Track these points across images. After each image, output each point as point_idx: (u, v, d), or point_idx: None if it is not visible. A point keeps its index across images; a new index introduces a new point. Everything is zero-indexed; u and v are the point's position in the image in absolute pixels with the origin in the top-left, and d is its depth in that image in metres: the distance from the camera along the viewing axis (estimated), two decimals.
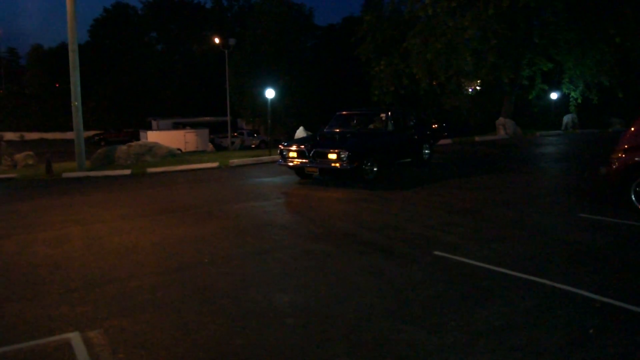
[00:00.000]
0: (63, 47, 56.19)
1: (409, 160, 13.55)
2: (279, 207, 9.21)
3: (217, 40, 39.99)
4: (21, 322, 4.56)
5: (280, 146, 12.18)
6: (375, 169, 11.42)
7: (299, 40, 45.31)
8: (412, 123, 13.60)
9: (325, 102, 41.35)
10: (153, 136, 31.04)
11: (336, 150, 10.86)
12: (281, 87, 37.39)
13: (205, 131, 35.67)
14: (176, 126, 39.14)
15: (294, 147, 11.58)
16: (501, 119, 24.34)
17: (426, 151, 13.90)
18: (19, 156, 19.99)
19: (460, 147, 19.06)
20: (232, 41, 36.70)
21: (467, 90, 30.67)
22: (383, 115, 12.65)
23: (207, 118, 42.34)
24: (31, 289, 5.37)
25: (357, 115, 13.24)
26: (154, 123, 41.49)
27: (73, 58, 16.16)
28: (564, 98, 28.22)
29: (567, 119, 26.97)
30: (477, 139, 21.77)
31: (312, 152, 11.17)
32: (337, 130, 12.63)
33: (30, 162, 19.65)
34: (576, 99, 26.59)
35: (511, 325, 4.23)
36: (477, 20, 21.91)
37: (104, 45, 59.49)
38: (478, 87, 31.03)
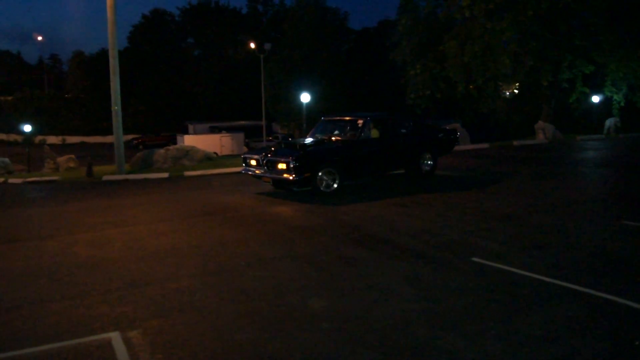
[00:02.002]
0: (103, 53, 57.71)
1: (402, 171, 12.61)
2: (313, 211, 9.21)
3: (252, 45, 40.42)
4: (64, 320, 4.68)
5: (243, 154, 11.79)
6: (335, 183, 10.53)
7: (333, 44, 45.40)
8: (404, 130, 12.31)
9: (360, 106, 41.31)
10: (190, 140, 31.50)
11: (285, 160, 10.20)
12: (316, 91, 37.54)
13: (241, 135, 36.03)
14: (212, 130, 39.64)
15: (253, 155, 11.25)
16: (540, 123, 23.85)
17: (427, 162, 12.53)
18: (61, 159, 20.56)
19: (497, 152, 18.75)
20: (267, 46, 37.01)
21: (505, 93, 30.16)
22: (360, 121, 11.45)
23: (243, 122, 42.75)
24: (73, 289, 5.51)
25: (341, 122, 12.20)
26: (190, 127, 42.15)
27: (113, 64, 16.57)
28: (606, 101, 27.47)
29: (609, 122, 26.22)
30: (515, 143, 21.37)
31: (264, 161, 10.70)
32: (314, 137, 11.92)
33: (72, 165, 20.17)
34: (619, 102, 25.85)
35: (553, 335, 4.12)
36: (515, 22, 21.58)
37: (142, 51, 60.83)
38: (516, 91, 30.48)
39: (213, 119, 47.13)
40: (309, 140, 11.76)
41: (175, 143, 31.89)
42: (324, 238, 7.31)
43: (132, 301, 5.08)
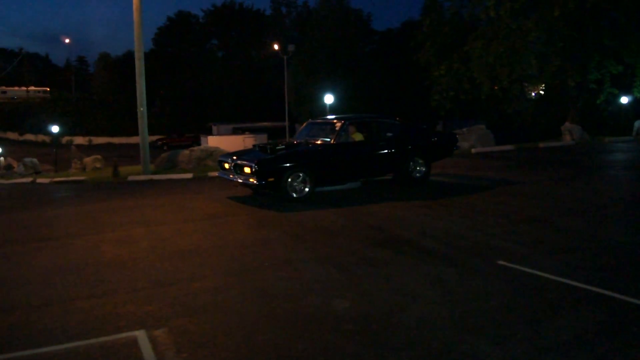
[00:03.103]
0: (129, 55, 58.65)
1: (389, 177, 12.05)
2: (337, 212, 9.20)
3: (276, 47, 40.63)
4: (91, 318, 4.75)
5: (219, 157, 11.58)
6: (306, 188, 10.17)
7: (357, 45, 45.38)
8: (390, 134, 11.61)
9: (384, 108, 41.15)
10: (213, 141, 31.80)
11: (248, 164, 9.94)
12: (339, 93, 37.57)
13: (264, 136, 36.25)
14: (235, 131, 39.97)
15: (226, 159, 11.01)
16: (567, 125, 23.43)
17: (418, 167, 11.68)
18: (87, 160, 20.93)
19: (522, 154, 18.49)
20: (290, 47, 37.16)
21: (531, 94, 29.75)
22: (338, 124, 11.01)
23: (266, 123, 43.04)
24: (100, 287, 5.60)
25: (324, 125, 11.68)
26: (214, 128, 42.57)
27: (139, 66, 16.78)
28: (635, 102, 26.91)
29: (638, 124, 25.64)
30: (541, 145, 21.05)
31: (233, 165, 10.50)
32: (298, 140, 11.61)
33: (98, 165, 20.51)
34: None
35: (581, 341, 4.04)
36: (541, 22, 21.26)
37: (167, 53, 61.62)
38: (542, 92, 30.04)
39: (236, 120, 47.49)
40: (278, 143, 11.49)
41: (199, 144, 32.21)
42: (348, 239, 7.30)
43: (158, 300, 5.13)
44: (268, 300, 5.05)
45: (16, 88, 70.63)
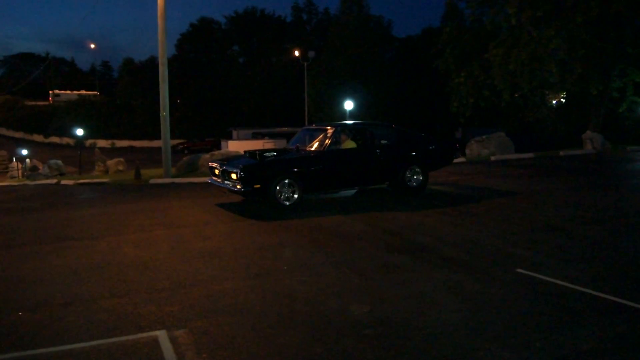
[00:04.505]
0: (152, 61, 59.47)
1: (383, 186, 11.77)
2: (355, 218, 9.23)
3: (296, 53, 40.86)
4: (113, 317, 4.85)
5: (209, 163, 11.52)
6: (295, 195, 10.02)
7: (377, 51, 45.40)
8: (385, 141, 11.40)
9: (404, 114, 41.10)
10: (233, 145, 32.02)
11: (234, 170, 9.81)
12: (359, 99, 37.62)
13: (283, 141, 36.36)
14: (255, 136, 40.16)
15: (217, 165, 10.82)
16: (588, 133, 23.17)
17: (415, 176, 11.42)
18: (110, 162, 21.28)
19: (542, 162, 18.33)
20: (311, 54, 37.35)
21: (551, 102, 29.46)
22: (330, 130, 10.79)
23: (285, 128, 43.15)
24: (122, 288, 5.70)
25: (316, 131, 11.46)
26: (234, 133, 42.84)
27: (162, 71, 17.01)
28: None
29: None
30: (561, 153, 20.84)
31: (221, 171, 10.42)
32: (289, 147, 11.41)
33: (121, 168, 20.84)
34: None
35: (601, 350, 4.02)
36: (563, 30, 21.06)
37: (189, 59, 62.28)
38: (563, 99, 29.72)
39: (256, 125, 47.81)
40: (269, 149, 11.35)
41: (219, 148, 32.46)
42: (366, 245, 7.33)
43: (178, 301, 5.22)
44: (287, 303, 5.11)
45: (68, 92, 72.06)
